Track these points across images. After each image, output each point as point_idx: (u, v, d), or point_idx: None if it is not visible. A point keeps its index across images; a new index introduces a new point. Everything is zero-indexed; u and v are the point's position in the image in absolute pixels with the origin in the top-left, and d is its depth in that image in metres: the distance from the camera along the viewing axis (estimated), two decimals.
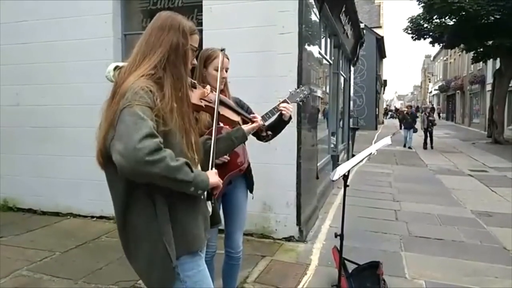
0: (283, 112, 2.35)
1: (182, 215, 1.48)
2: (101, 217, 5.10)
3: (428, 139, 15.42)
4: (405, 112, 16.85)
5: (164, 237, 1.42)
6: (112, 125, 1.36)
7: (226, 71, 2.42)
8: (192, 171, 1.39)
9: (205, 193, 1.55)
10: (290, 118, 2.42)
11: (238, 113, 2.00)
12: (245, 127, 2.02)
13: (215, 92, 1.84)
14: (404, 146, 15.41)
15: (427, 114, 15.84)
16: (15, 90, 5.39)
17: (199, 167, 1.62)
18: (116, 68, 1.55)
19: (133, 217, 1.45)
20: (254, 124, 2.05)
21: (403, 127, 16.21)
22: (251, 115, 2.13)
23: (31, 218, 5.23)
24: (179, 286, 1.49)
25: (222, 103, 1.88)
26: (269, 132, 2.22)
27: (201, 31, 4.48)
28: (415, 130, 15.65)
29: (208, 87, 1.86)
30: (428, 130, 15.29)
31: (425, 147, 15.23)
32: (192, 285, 1.52)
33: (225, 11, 4.47)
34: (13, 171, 5.45)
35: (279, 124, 2.43)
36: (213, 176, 1.54)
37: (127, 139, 1.26)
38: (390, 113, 48.31)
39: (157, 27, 1.50)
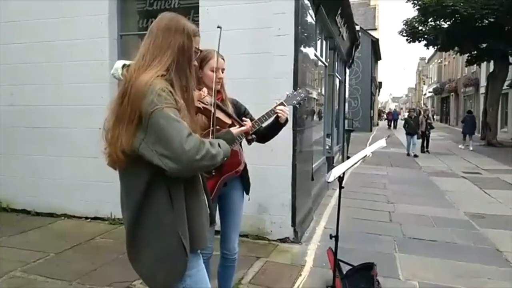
0: (279, 114, 2.36)
1: (192, 212, 1.51)
2: (95, 218, 5.08)
3: (425, 142, 15.05)
4: (407, 116, 15.28)
5: (180, 230, 1.45)
6: (139, 128, 1.39)
7: (222, 72, 2.42)
8: (220, 147, 1.49)
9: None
10: (287, 120, 2.44)
11: (230, 117, 2.07)
12: (234, 130, 2.05)
13: (211, 95, 1.87)
14: (408, 154, 14.01)
15: (426, 116, 15.33)
16: (10, 90, 5.36)
17: None
18: (123, 66, 1.56)
19: (150, 210, 1.47)
20: (243, 128, 2.08)
21: (405, 132, 14.54)
22: (243, 118, 2.16)
23: (25, 219, 5.20)
24: (179, 285, 1.50)
25: (218, 106, 1.91)
26: (253, 136, 2.24)
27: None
28: (419, 136, 14.52)
29: (204, 89, 1.88)
30: (426, 133, 14.90)
31: (422, 151, 14.82)
32: (191, 284, 1.53)
33: (222, 13, 4.47)
34: (7, 171, 5.42)
35: (276, 126, 2.44)
36: (233, 131, 1.79)
37: (172, 144, 1.32)
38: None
39: (162, 28, 1.51)
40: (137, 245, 1.51)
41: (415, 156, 13.81)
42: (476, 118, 23.77)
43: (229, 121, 2.03)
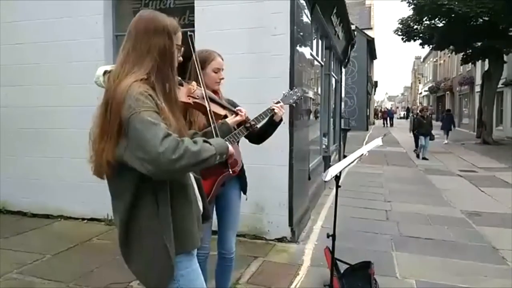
0: (275, 111, 2.36)
1: (180, 215, 1.51)
2: (92, 219, 5.07)
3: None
4: (419, 115, 13.77)
5: (164, 235, 1.45)
6: (121, 135, 1.38)
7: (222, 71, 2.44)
8: (210, 143, 1.43)
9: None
10: (281, 120, 2.44)
11: (224, 107, 2.03)
12: (230, 120, 2.04)
13: (201, 87, 1.84)
14: (418, 156, 12.96)
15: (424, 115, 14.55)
16: (4, 91, 5.33)
17: None
18: (105, 73, 1.55)
19: (138, 218, 1.48)
20: (238, 117, 2.06)
21: (417, 133, 13.18)
22: (237, 108, 2.14)
23: (21, 220, 5.17)
24: (172, 286, 1.51)
25: (209, 98, 1.89)
26: (253, 122, 2.24)
27: (193, 32, 4.48)
28: (432, 138, 13.20)
29: (194, 83, 1.86)
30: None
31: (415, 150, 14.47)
32: (185, 284, 1.54)
33: (217, 12, 4.47)
34: (2, 173, 5.38)
35: (270, 126, 2.44)
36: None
37: (148, 147, 1.29)
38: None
39: (141, 31, 1.49)
40: (128, 247, 1.52)
41: (425, 158, 12.63)
42: (472, 117, 24.63)
43: (223, 112, 1.99)
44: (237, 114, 2.08)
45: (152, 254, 1.47)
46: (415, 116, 14.87)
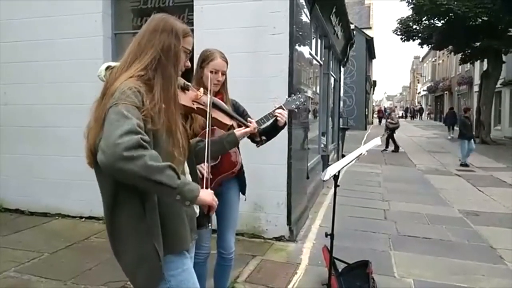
0: (278, 118, 2.35)
1: (169, 215, 1.48)
2: (90, 218, 5.06)
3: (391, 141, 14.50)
4: (464, 116, 11.81)
5: (152, 237, 1.42)
6: (101, 125, 1.37)
7: (223, 74, 2.40)
8: (179, 178, 1.33)
9: (197, 210, 1.61)
10: (285, 124, 2.42)
11: (232, 117, 1.96)
12: (238, 132, 2.00)
13: (209, 95, 1.82)
14: (465, 165, 11.05)
15: (387, 116, 14.64)
16: (3, 89, 5.31)
17: (186, 168, 1.63)
18: (108, 68, 1.56)
19: (121, 216, 1.45)
20: (247, 129, 2.02)
21: (462, 137, 11.35)
22: (248, 119, 2.11)
23: (18, 218, 5.16)
24: (162, 286, 1.48)
25: (215, 106, 1.85)
26: (263, 137, 2.22)
27: (192, 31, 4.46)
28: (475, 140, 11.76)
29: (201, 89, 1.85)
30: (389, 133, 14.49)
31: (396, 150, 14.39)
32: (176, 284, 1.51)
33: (216, 12, 4.46)
34: (0, 171, 5.36)
35: (274, 130, 2.43)
36: (207, 195, 1.45)
37: (108, 135, 1.26)
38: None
39: (150, 30, 1.50)
40: (117, 245, 1.50)
41: (466, 164, 11.10)
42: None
43: (229, 122, 1.92)
44: (247, 126, 2.04)
45: (139, 256, 1.44)
46: (386, 117, 14.82)
